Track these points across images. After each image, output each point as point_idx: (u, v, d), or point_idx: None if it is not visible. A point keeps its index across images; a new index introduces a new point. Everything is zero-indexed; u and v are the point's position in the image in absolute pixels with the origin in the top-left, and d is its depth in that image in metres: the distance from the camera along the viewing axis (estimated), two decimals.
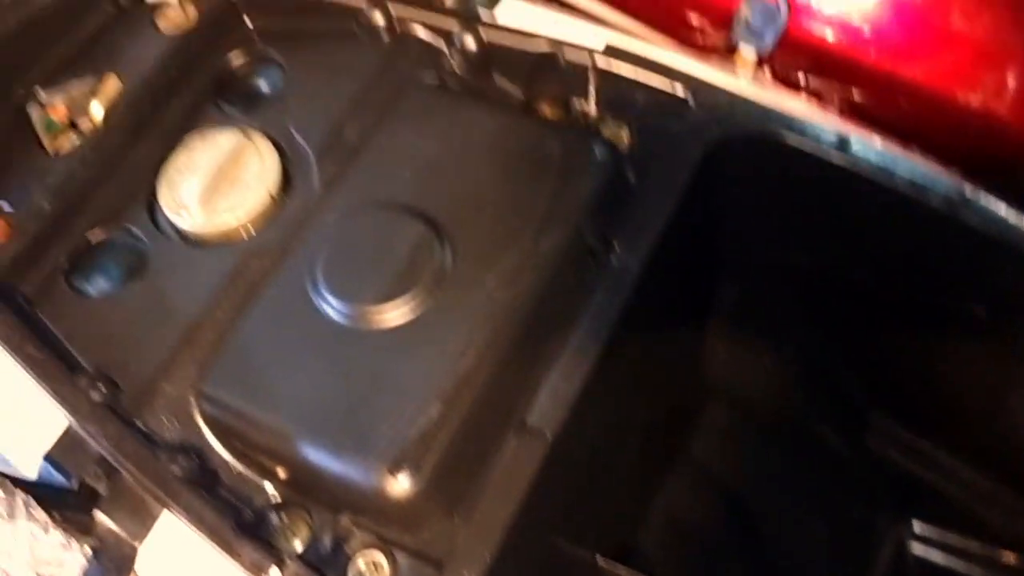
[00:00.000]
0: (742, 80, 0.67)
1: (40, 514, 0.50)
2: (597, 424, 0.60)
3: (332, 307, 0.57)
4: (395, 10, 0.68)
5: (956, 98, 0.85)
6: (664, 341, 0.70)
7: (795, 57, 0.86)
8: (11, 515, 0.49)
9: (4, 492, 0.49)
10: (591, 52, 0.65)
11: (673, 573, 0.69)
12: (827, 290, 0.73)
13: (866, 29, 0.85)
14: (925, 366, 0.76)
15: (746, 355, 0.78)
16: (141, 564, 0.53)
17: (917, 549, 0.83)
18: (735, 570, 0.78)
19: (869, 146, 0.63)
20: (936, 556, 0.82)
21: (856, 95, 0.87)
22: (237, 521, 0.53)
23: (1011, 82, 0.84)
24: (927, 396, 0.78)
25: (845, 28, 0.85)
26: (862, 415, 0.80)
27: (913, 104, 0.86)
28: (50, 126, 0.66)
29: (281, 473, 0.56)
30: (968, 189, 0.62)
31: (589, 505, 0.65)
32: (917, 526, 0.82)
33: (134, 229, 0.63)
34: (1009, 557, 0.80)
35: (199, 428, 0.56)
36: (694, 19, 0.89)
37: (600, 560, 0.66)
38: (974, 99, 0.85)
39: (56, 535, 0.51)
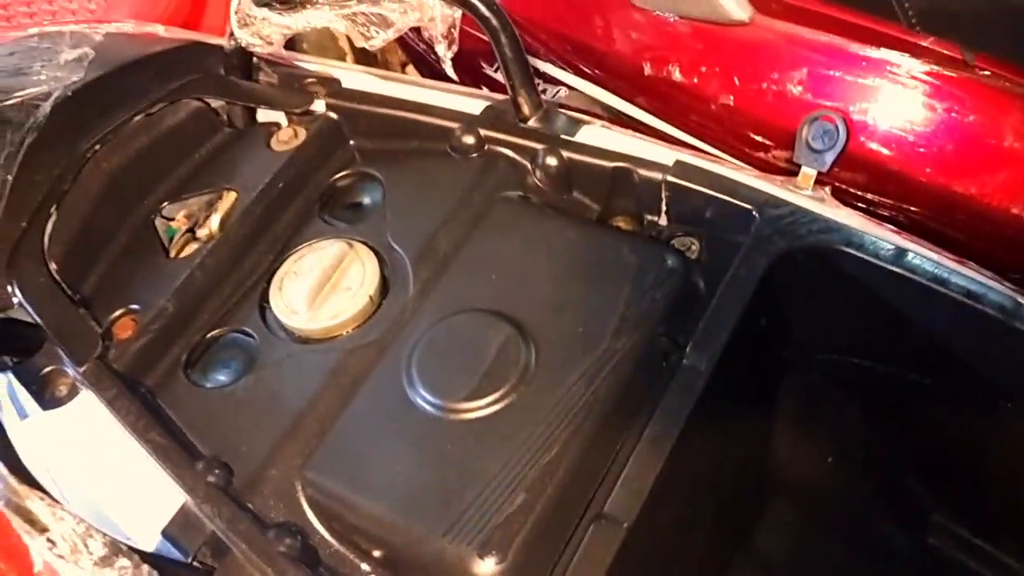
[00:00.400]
0: (803, 197, 0.72)
1: None
2: (668, 515, 0.63)
3: (425, 401, 0.62)
4: (484, 131, 0.75)
5: (1010, 212, 0.89)
6: (731, 438, 0.74)
7: (854, 173, 0.91)
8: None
9: (131, 563, 0.55)
10: (663, 168, 0.71)
11: None
12: (888, 391, 0.77)
13: (922, 146, 0.90)
14: (986, 467, 0.78)
15: (810, 453, 0.82)
16: None
17: None
18: None
19: (924, 257, 0.68)
20: None
21: (913, 210, 0.91)
22: None
23: None
24: (989, 497, 0.81)
25: (901, 145, 0.91)
26: (925, 515, 0.82)
27: (968, 219, 0.91)
28: (172, 235, 0.74)
29: (377, 554, 0.61)
30: (1021, 297, 0.66)
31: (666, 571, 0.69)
32: None
33: (247, 328, 0.70)
34: None
35: (303, 510, 0.61)
36: (758, 139, 0.96)
37: None
38: None
39: None
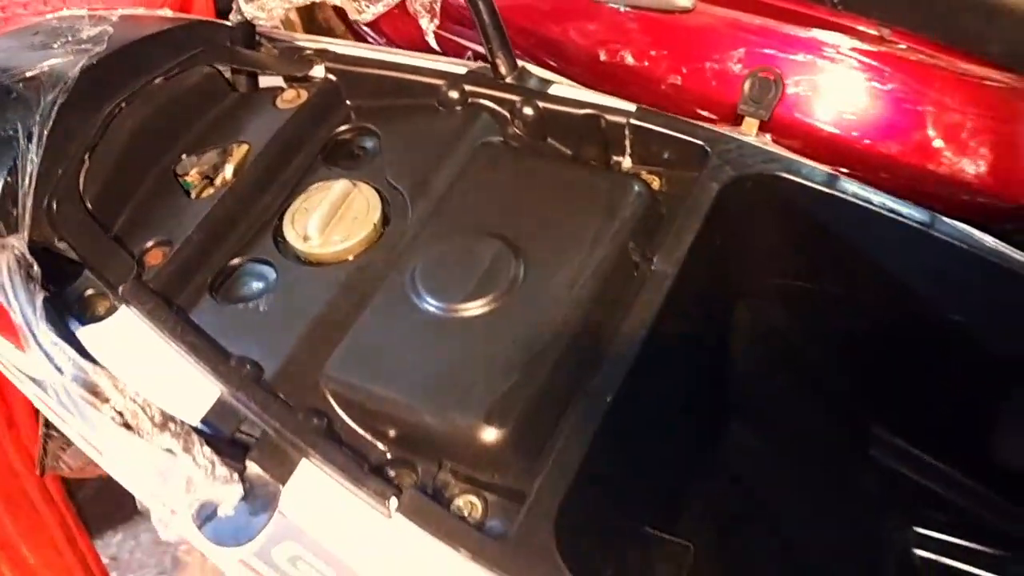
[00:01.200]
0: (748, 136, 0.83)
1: (209, 452, 0.63)
2: (646, 397, 0.73)
3: (429, 304, 0.71)
4: (468, 87, 0.85)
5: (927, 168, 1.01)
6: (695, 346, 0.83)
7: (791, 140, 1.02)
8: (186, 450, 0.62)
9: (182, 430, 0.62)
10: (626, 114, 0.81)
11: (706, 554, 0.80)
12: (830, 312, 0.87)
13: (848, 112, 1.02)
14: (920, 382, 0.89)
15: (763, 373, 0.92)
16: (284, 502, 0.66)
17: (920, 552, 0.93)
18: (760, 562, 0.89)
19: (852, 180, 0.79)
20: (938, 558, 0.93)
21: (842, 170, 1.03)
22: (360, 467, 0.66)
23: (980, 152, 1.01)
24: (924, 410, 0.91)
25: (830, 112, 1.02)
26: (867, 430, 0.93)
27: (891, 176, 1.03)
28: (187, 188, 0.82)
29: (392, 434, 0.69)
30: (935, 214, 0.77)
31: (639, 477, 0.78)
32: (920, 531, 0.93)
33: (264, 256, 0.78)
34: (1004, 553, 0.91)
35: (327, 400, 0.70)
36: (704, 114, 1.07)
37: (648, 529, 0.77)
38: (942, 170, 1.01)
39: (222, 471, 0.63)
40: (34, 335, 0.65)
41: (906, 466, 0.93)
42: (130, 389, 0.62)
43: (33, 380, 0.77)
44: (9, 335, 0.76)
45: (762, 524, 0.91)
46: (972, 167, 1.01)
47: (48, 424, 1.04)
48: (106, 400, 0.61)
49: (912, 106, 1.01)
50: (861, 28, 1.01)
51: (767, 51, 1.03)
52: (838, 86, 1.01)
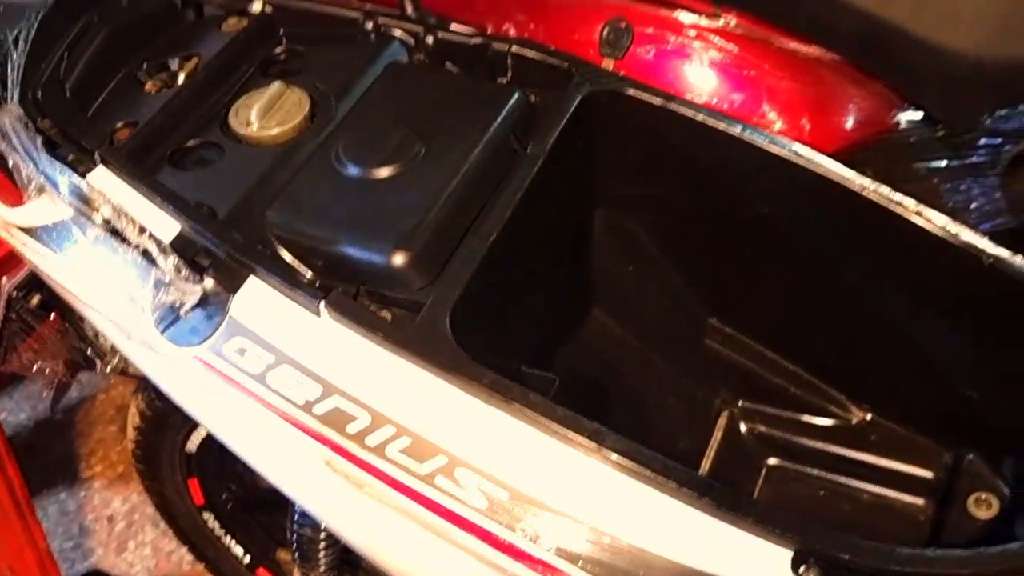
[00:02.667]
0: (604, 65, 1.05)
1: (177, 259, 0.80)
2: (522, 247, 0.92)
3: (349, 168, 0.89)
4: (380, 19, 1.05)
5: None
6: (561, 224, 1.03)
7: None
8: (161, 251, 0.79)
9: (156, 239, 0.79)
10: (508, 42, 1.02)
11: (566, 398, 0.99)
12: (671, 216, 1.08)
13: (686, 78, 1.25)
14: (748, 279, 1.10)
15: (616, 271, 1.12)
16: (234, 307, 0.83)
17: (745, 420, 1.15)
18: (614, 418, 1.08)
19: (686, 102, 1.01)
20: (759, 427, 1.14)
21: None
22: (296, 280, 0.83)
23: (793, 112, 1.24)
24: (753, 305, 1.12)
25: (670, 77, 1.25)
26: (701, 319, 1.14)
27: None
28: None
29: (320, 264, 0.86)
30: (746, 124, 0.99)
31: (515, 315, 0.97)
32: (744, 402, 1.14)
33: (213, 139, 0.96)
34: (814, 421, 1.12)
35: (269, 239, 0.87)
36: None
37: (524, 368, 0.96)
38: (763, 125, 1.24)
39: (186, 273, 0.80)
40: (36, 163, 0.81)
41: (737, 352, 1.14)
42: (115, 200, 0.79)
43: (23, 230, 0.92)
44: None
45: (615, 390, 1.11)
46: (786, 124, 1.24)
47: (8, 308, 1.17)
48: (96, 209, 0.78)
49: (736, 70, 1.24)
50: (698, 6, 1.24)
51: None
52: (679, 53, 1.24)
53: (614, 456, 0.74)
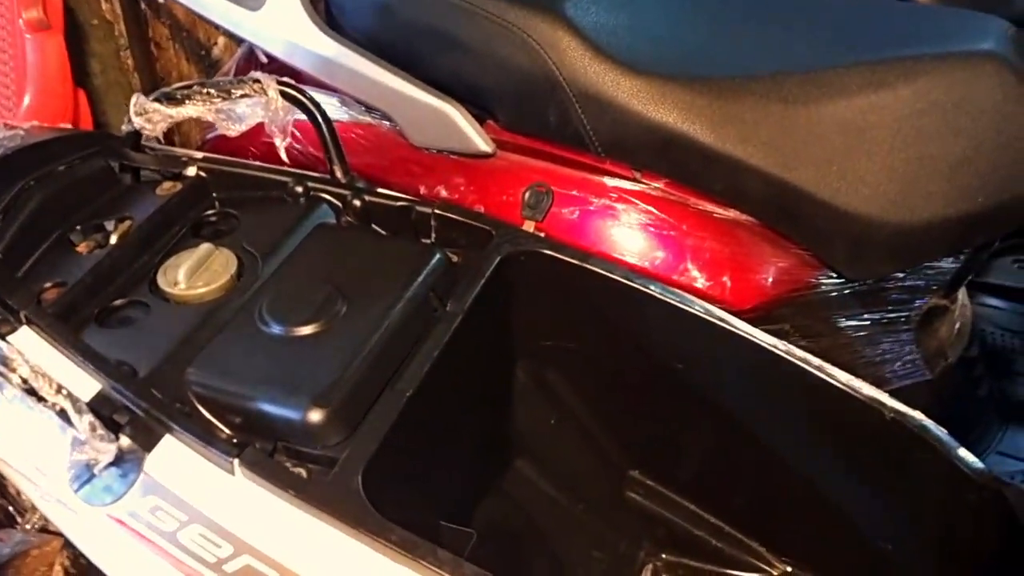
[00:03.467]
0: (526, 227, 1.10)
1: (93, 418, 0.82)
2: (440, 405, 0.95)
3: (271, 327, 0.92)
4: (310, 184, 1.09)
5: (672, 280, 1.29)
6: (481, 378, 1.06)
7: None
8: (77, 411, 0.80)
9: (72, 397, 0.81)
10: (432, 205, 1.07)
11: (483, 555, 1.00)
12: (590, 371, 1.12)
13: (603, 236, 1.30)
14: (666, 433, 1.14)
15: (538, 423, 1.15)
16: (148, 465, 0.84)
17: (668, 573, 1.16)
18: (537, 571, 1.09)
19: (601, 260, 1.05)
20: None
21: None
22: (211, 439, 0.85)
23: (711, 270, 1.30)
24: (673, 457, 1.15)
25: (587, 233, 1.30)
26: (623, 472, 1.16)
27: None
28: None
29: (237, 421, 0.88)
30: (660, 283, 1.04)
31: (433, 470, 0.98)
32: (667, 556, 1.16)
33: (141, 299, 0.98)
34: (736, 574, 1.14)
35: (188, 397, 0.89)
36: None
37: (442, 522, 0.97)
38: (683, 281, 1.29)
39: (101, 432, 0.82)
40: None
41: (659, 505, 1.16)
42: (33, 362, 0.81)
43: None
44: None
45: (535, 542, 1.12)
46: (708, 281, 1.29)
47: None
48: (14, 370, 0.80)
49: (657, 231, 1.29)
50: (619, 171, 1.30)
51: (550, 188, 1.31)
52: (602, 213, 1.30)
53: None
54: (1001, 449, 1.53)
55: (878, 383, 1.34)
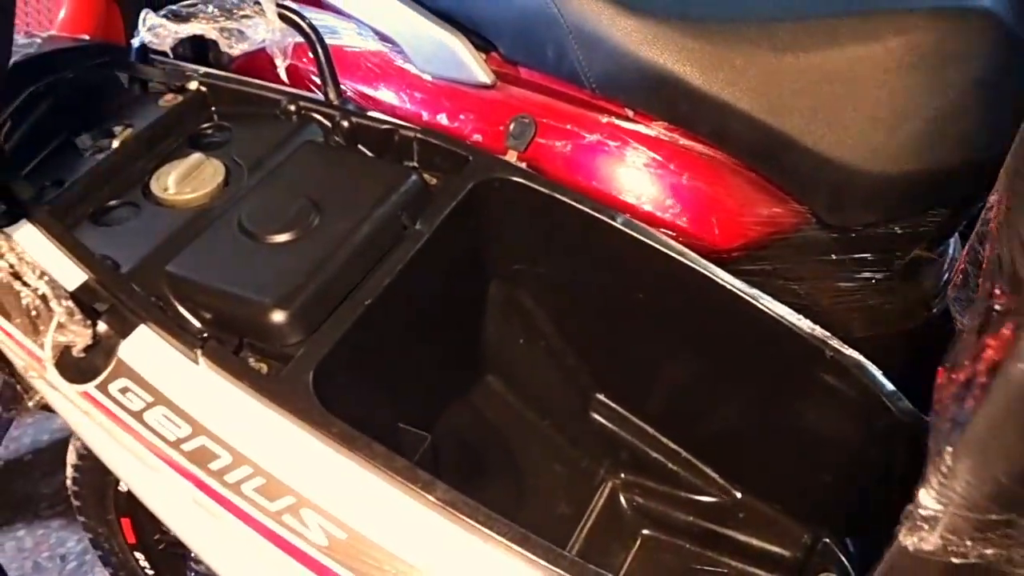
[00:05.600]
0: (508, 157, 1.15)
1: (72, 304, 0.90)
2: (400, 317, 1.01)
3: (248, 233, 0.99)
4: (301, 103, 1.16)
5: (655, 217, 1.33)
6: (448, 301, 1.12)
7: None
8: (56, 297, 0.88)
9: (53, 283, 0.89)
10: (415, 130, 1.13)
11: (448, 467, 1.07)
12: (559, 295, 1.17)
13: (590, 166, 1.34)
14: (626, 356, 1.19)
15: (509, 341, 1.21)
16: (122, 351, 0.92)
17: (625, 492, 1.22)
18: (495, 477, 1.16)
19: (569, 191, 1.10)
20: (637, 498, 1.21)
21: None
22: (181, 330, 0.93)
23: (691, 208, 1.33)
24: (632, 380, 1.20)
25: (575, 166, 1.34)
26: (589, 394, 1.22)
27: None
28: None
29: (208, 316, 0.96)
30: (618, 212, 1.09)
31: (401, 382, 1.05)
32: (625, 475, 1.22)
33: (133, 200, 1.06)
34: (690, 497, 1.19)
35: (165, 292, 0.97)
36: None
37: (401, 424, 1.04)
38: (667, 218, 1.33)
39: (79, 317, 0.90)
40: None
41: (621, 427, 1.21)
42: (19, 249, 0.89)
43: None
44: None
45: (499, 453, 1.19)
46: (692, 220, 1.33)
47: None
48: (2, 255, 0.88)
49: (647, 169, 1.33)
50: (613, 108, 1.34)
51: (545, 120, 1.35)
52: (592, 149, 1.34)
53: (442, 505, 0.81)
54: None
55: (858, 329, 1.40)
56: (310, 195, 1.03)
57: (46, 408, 1.22)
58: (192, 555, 1.23)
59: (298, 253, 0.98)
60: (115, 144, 1.11)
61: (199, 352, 0.90)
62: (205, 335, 0.92)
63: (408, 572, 0.83)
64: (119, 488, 1.48)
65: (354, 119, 1.14)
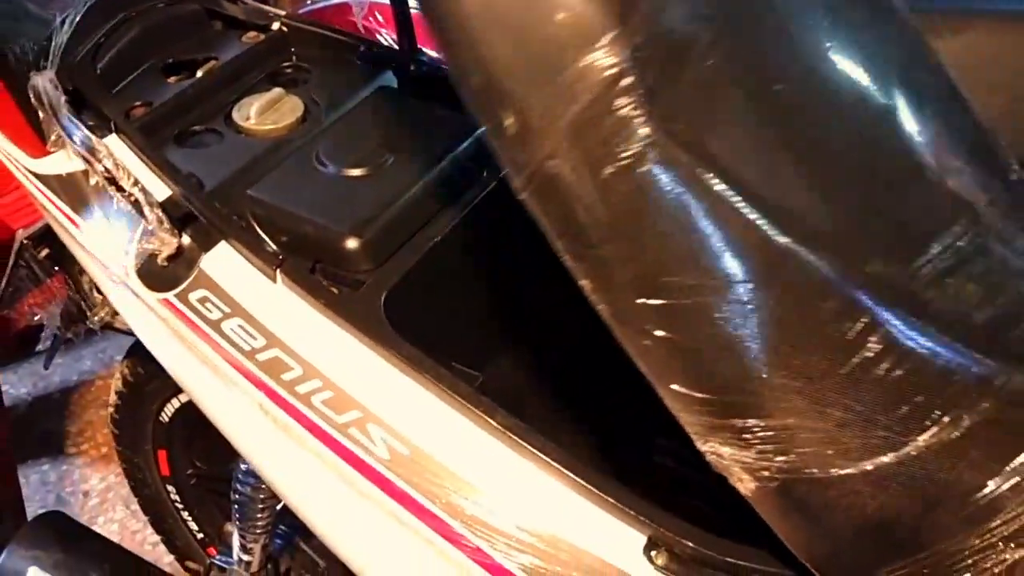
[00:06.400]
0: None
1: (161, 212, 0.94)
2: (463, 258, 1.05)
3: (326, 164, 1.04)
4: (379, 51, 1.20)
5: None
6: (509, 251, 1.16)
7: None
8: (148, 203, 0.93)
9: (146, 191, 0.93)
10: None
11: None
12: None
13: None
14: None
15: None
16: (204, 263, 0.97)
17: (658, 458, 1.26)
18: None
19: None
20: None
21: None
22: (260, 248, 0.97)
23: None
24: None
25: None
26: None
27: None
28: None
29: (284, 239, 1.00)
30: None
31: (455, 320, 1.09)
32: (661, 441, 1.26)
33: (216, 128, 1.11)
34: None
35: (246, 213, 1.01)
36: None
37: (455, 363, 1.08)
38: None
39: (167, 226, 0.94)
40: (60, 121, 0.96)
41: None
42: (116, 157, 0.93)
43: (38, 176, 1.07)
44: (25, 146, 1.07)
45: (540, 409, 1.23)
46: None
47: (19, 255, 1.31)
48: (99, 160, 0.93)
49: None
50: None
51: None
52: None
53: (501, 429, 0.86)
54: None
55: None
56: (384, 136, 1.07)
57: (107, 328, 1.26)
58: (240, 475, 1.27)
59: (372, 188, 1.02)
60: (199, 74, 1.15)
61: (278, 271, 0.94)
62: (281, 256, 0.97)
63: (464, 488, 0.87)
64: (159, 419, 1.52)
65: (425, 70, 1.18)
